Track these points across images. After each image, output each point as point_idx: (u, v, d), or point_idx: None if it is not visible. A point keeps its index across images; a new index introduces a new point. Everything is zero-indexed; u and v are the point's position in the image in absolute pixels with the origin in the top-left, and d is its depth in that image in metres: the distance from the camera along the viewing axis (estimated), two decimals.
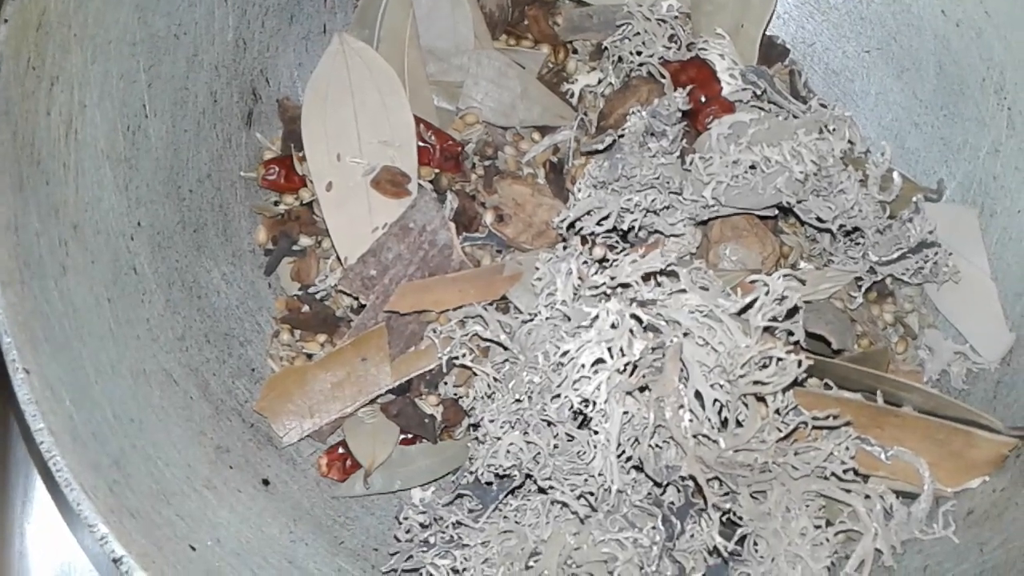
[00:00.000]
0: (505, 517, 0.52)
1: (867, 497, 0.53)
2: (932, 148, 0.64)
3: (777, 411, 0.50)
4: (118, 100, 0.52)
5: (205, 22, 0.58)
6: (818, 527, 0.52)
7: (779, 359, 0.49)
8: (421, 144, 0.61)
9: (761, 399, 0.50)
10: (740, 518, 0.52)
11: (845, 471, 0.51)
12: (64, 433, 0.43)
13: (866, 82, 0.67)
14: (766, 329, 0.50)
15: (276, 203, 0.63)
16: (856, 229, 0.58)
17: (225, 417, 0.55)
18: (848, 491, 0.53)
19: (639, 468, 0.52)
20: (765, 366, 0.49)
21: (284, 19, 0.64)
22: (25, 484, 0.64)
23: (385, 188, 0.59)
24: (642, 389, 0.50)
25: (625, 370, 0.48)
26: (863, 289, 0.59)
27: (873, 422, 0.54)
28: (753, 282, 0.54)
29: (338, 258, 0.60)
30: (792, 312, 0.51)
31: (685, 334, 0.49)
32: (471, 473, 0.53)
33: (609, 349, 0.48)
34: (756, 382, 0.49)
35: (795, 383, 0.49)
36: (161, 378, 0.52)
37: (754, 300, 0.51)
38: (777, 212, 0.59)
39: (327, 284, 0.60)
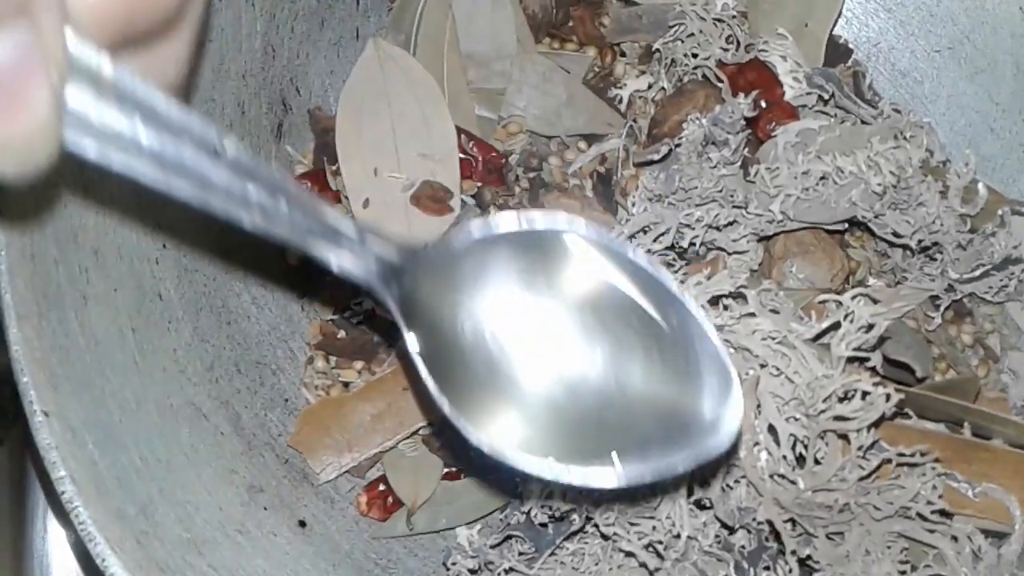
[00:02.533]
0: (562, 563, 0.48)
1: (954, 539, 0.48)
2: (1011, 155, 0.60)
3: (860, 447, 0.46)
4: None
5: (232, 28, 0.54)
6: (902, 573, 0.47)
7: (865, 392, 0.44)
8: (462, 156, 0.57)
9: (843, 435, 0.46)
10: (816, 562, 0.48)
11: (932, 512, 0.47)
12: (87, 481, 0.40)
13: (936, 84, 0.62)
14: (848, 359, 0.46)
15: None
16: (934, 244, 0.54)
17: (258, 453, 0.51)
18: (933, 532, 0.48)
19: (703, 507, 0.48)
20: (847, 399, 0.45)
21: (315, 24, 0.60)
22: (44, 519, 0.61)
23: (426, 205, 0.55)
24: None
25: None
26: (941, 309, 0.55)
27: (959, 456, 0.50)
28: (823, 302, 0.50)
29: None
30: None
31: (762, 366, 0.45)
32: (523, 512, 0.50)
33: None
34: (838, 417, 0.45)
35: (882, 419, 0.45)
36: (189, 412, 0.48)
37: (832, 326, 0.46)
38: (845, 225, 0.55)
39: (364, 307, 0.56)
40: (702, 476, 0.46)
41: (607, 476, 0.37)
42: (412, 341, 0.37)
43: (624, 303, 0.38)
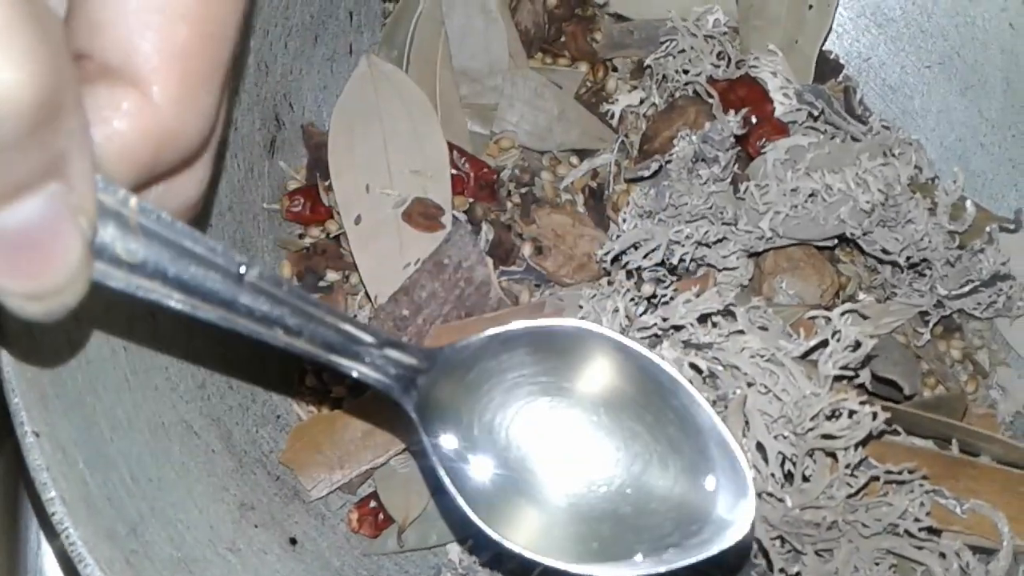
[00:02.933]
0: None
1: (942, 555, 0.49)
2: (1000, 171, 0.60)
3: (847, 465, 0.46)
4: None
5: None
6: None
7: (852, 411, 0.45)
8: (454, 172, 0.57)
9: (831, 453, 0.46)
10: None
11: (920, 529, 0.47)
12: (78, 501, 0.40)
13: (927, 99, 0.62)
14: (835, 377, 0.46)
15: (301, 236, 0.59)
16: (923, 260, 0.54)
17: (249, 470, 0.51)
18: (921, 548, 0.49)
19: None
20: (835, 417, 0.46)
21: (308, 40, 0.60)
22: (38, 535, 0.61)
23: (417, 221, 0.55)
24: None
25: None
26: (931, 324, 0.55)
27: (946, 472, 0.50)
28: (812, 318, 0.51)
29: (367, 295, 0.56)
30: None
31: (749, 384, 0.45)
32: None
33: None
34: (826, 435, 0.45)
35: (869, 436, 0.45)
36: (181, 430, 0.48)
37: (820, 343, 0.47)
38: (835, 241, 0.56)
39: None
40: None
41: (625, 571, 0.38)
42: (430, 447, 0.38)
43: (637, 400, 0.39)
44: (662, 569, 0.38)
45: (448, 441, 0.38)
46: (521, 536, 0.38)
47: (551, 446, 0.39)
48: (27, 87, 0.23)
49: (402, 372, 0.37)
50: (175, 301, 0.31)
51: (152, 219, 0.30)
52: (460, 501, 0.38)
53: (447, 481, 0.38)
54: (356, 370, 0.36)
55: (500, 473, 0.39)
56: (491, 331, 0.38)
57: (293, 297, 0.34)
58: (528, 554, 0.38)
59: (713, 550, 0.38)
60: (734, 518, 0.38)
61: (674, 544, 0.38)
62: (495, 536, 0.38)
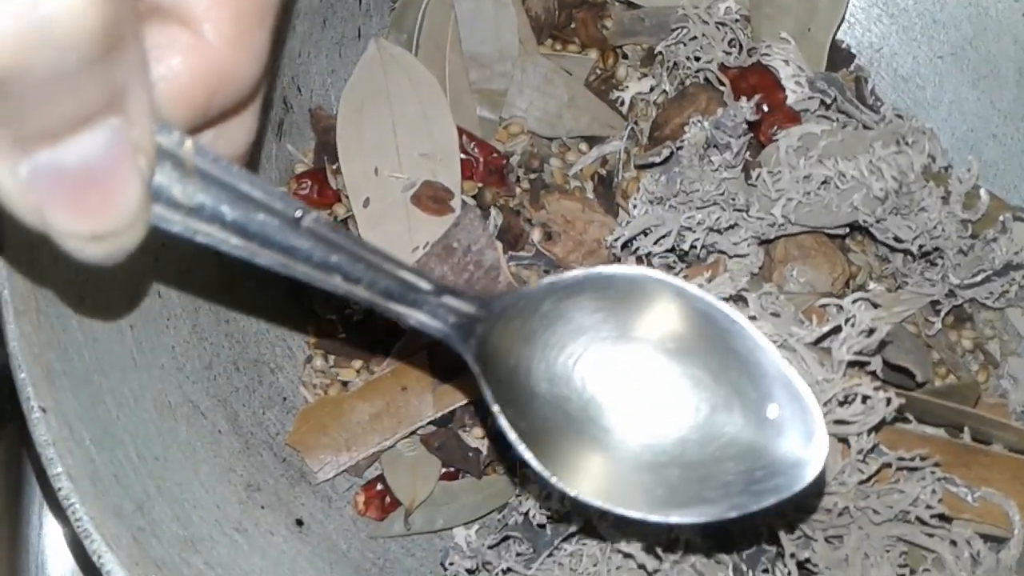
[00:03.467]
0: (560, 564, 0.48)
1: (953, 543, 0.48)
2: (1012, 161, 0.60)
3: (859, 451, 0.46)
4: None
5: None
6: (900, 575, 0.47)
7: (866, 397, 0.44)
8: (463, 157, 0.57)
9: (843, 439, 0.46)
10: (815, 565, 0.48)
11: (931, 516, 0.47)
12: (84, 478, 0.40)
13: (939, 90, 0.62)
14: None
15: None
16: (935, 249, 0.54)
17: (256, 452, 0.51)
18: (932, 536, 0.48)
19: None
20: (848, 403, 0.45)
21: (316, 23, 0.60)
22: (40, 516, 0.61)
23: (426, 205, 0.55)
24: None
25: None
26: (942, 314, 0.55)
27: (958, 460, 0.50)
28: (823, 306, 0.50)
29: None
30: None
31: None
32: (521, 513, 0.49)
33: None
34: (838, 421, 0.45)
35: (882, 423, 0.45)
36: (187, 411, 0.48)
37: (833, 329, 0.46)
38: (847, 229, 0.55)
39: (363, 307, 0.56)
40: None
41: (694, 518, 0.38)
42: (490, 397, 0.37)
43: (701, 347, 0.38)
44: (733, 514, 0.37)
45: (508, 390, 0.37)
46: (586, 485, 0.38)
47: (613, 393, 0.38)
48: (91, 14, 0.23)
49: (461, 320, 0.36)
50: (233, 246, 0.31)
51: (209, 161, 0.30)
52: (522, 449, 0.37)
53: (508, 430, 0.37)
54: (414, 318, 0.35)
55: (562, 421, 0.38)
56: (549, 279, 0.37)
57: (351, 243, 0.33)
58: (595, 502, 0.38)
59: (786, 493, 0.37)
60: (807, 457, 0.37)
61: (742, 490, 0.37)
62: (559, 485, 0.37)
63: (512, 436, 0.37)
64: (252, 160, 0.52)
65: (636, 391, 0.38)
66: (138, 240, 0.29)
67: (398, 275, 0.35)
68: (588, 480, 0.38)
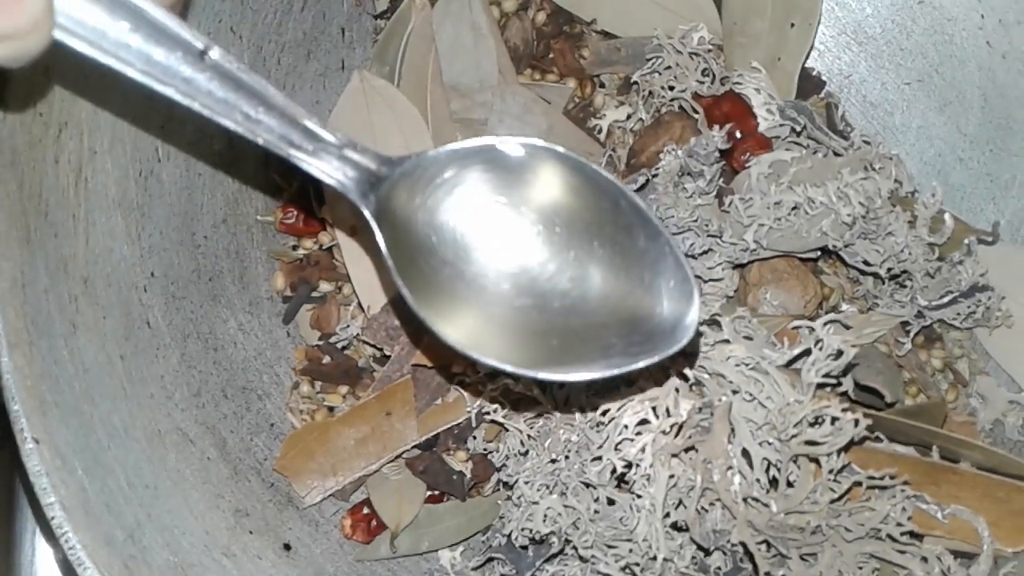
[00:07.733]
0: None
1: (924, 559, 0.50)
2: (978, 185, 0.61)
3: (830, 471, 0.47)
4: (130, 144, 0.50)
5: None
6: None
7: (834, 418, 0.46)
8: None
9: (814, 459, 0.47)
10: None
11: (902, 533, 0.48)
12: (77, 507, 0.41)
13: (907, 115, 0.64)
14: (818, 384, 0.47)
15: (294, 248, 0.60)
16: (904, 272, 0.55)
17: (244, 478, 0.52)
18: (903, 552, 0.50)
19: (680, 529, 0.49)
20: (818, 424, 0.47)
21: (301, 55, 0.61)
22: (33, 541, 0.61)
23: None
24: (687, 450, 0.47)
25: (671, 431, 0.46)
26: (912, 334, 0.56)
27: (928, 478, 0.51)
28: (796, 328, 0.52)
29: (360, 305, 0.57)
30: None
31: (734, 392, 0.46)
32: (504, 535, 0.51)
33: (654, 409, 0.45)
34: (809, 442, 0.46)
35: (851, 443, 0.46)
36: (176, 438, 0.49)
37: (804, 352, 0.48)
38: (818, 253, 0.57)
39: (349, 333, 0.57)
40: (678, 499, 0.47)
41: (575, 376, 0.39)
42: (385, 246, 0.38)
43: (591, 216, 0.40)
44: (610, 373, 0.39)
45: (402, 244, 0.38)
46: (470, 339, 0.39)
47: (505, 254, 0.40)
48: None
49: (361, 176, 0.37)
50: (138, 73, 0.33)
51: None
52: (405, 292, 0.38)
53: (397, 277, 0.38)
54: (315, 167, 0.36)
55: (453, 279, 0.39)
56: (452, 145, 0.39)
57: (256, 84, 0.34)
58: (472, 353, 0.39)
59: (657, 356, 0.39)
60: (682, 323, 0.39)
61: (622, 351, 0.39)
62: (438, 331, 0.38)
63: (399, 281, 0.38)
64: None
65: (527, 254, 0.40)
66: (41, 47, 0.31)
67: (302, 123, 0.35)
68: (474, 336, 0.39)
